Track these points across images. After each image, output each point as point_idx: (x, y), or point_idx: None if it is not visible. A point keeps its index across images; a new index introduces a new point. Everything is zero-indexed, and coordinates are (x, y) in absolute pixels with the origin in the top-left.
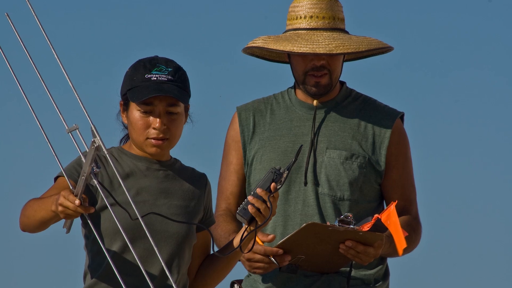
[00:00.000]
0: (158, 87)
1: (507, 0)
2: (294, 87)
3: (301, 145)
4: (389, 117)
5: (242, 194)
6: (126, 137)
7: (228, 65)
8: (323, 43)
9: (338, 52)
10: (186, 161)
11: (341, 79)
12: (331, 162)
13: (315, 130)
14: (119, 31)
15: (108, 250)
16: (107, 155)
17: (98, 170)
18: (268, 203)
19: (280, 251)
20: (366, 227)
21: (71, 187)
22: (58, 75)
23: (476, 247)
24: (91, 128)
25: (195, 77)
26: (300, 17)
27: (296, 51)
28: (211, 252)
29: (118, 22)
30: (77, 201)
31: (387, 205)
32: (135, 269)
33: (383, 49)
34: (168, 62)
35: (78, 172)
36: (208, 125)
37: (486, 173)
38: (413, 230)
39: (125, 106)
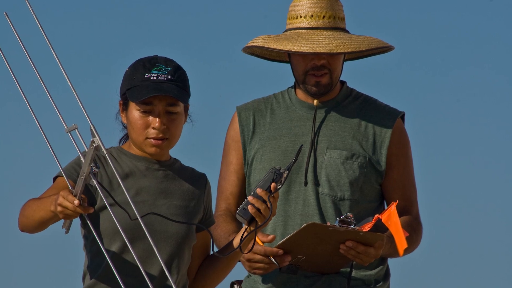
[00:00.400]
0: (158, 86)
1: None
2: (294, 87)
3: (301, 145)
4: (390, 117)
5: (242, 194)
6: (126, 137)
7: (228, 64)
8: (323, 43)
9: (338, 51)
10: (186, 161)
11: (341, 78)
12: (331, 162)
13: (316, 130)
14: (118, 30)
15: (107, 251)
16: (106, 155)
17: (97, 170)
18: (268, 203)
19: (280, 251)
20: (367, 227)
21: (70, 187)
22: (57, 75)
23: (477, 247)
24: (90, 128)
25: (194, 77)
26: (300, 16)
27: (296, 51)
28: (211, 252)
29: (117, 21)
30: (76, 201)
31: (387, 205)
32: (135, 269)
33: (384, 49)
34: (168, 62)
35: (77, 172)
36: (207, 124)
37: (487, 173)
38: (413, 230)
39: (125, 106)
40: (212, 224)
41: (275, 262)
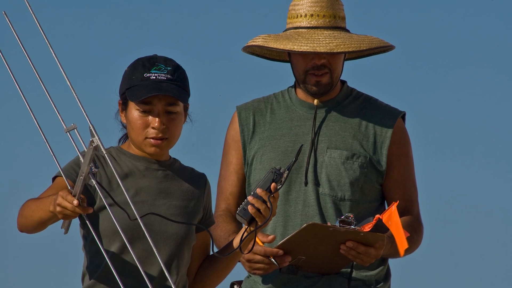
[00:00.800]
0: (157, 86)
1: None
2: (294, 86)
3: (302, 145)
4: (390, 117)
5: (242, 194)
6: (125, 137)
7: (228, 64)
8: (323, 42)
9: (339, 51)
10: (186, 161)
11: (341, 78)
12: (331, 162)
13: (316, 129)
14: (118, 30)
15: (106, 251)
16: (105, 155)
17: (96, 170)
18: (268, 203)
19: (280, 251)
20: (367, 227)
21: (69, 187)
22: (56, 74)
23: (478, 247)
24: (90, 127)
25: (194, 76)
26: (301, 16)
27: (296, 50)
28: (211, 253)
29: (117, 21)
30: (75, 201)
31: (388, 205)
32: (134, 270)
33: (384, 48)
34: (167, 61)
35: (77, 172)
36: (207, 124)
37: (487, 172)
38: (414, 230)
39: (124, 106)
40: (212, 224)
41: (275, 262)
